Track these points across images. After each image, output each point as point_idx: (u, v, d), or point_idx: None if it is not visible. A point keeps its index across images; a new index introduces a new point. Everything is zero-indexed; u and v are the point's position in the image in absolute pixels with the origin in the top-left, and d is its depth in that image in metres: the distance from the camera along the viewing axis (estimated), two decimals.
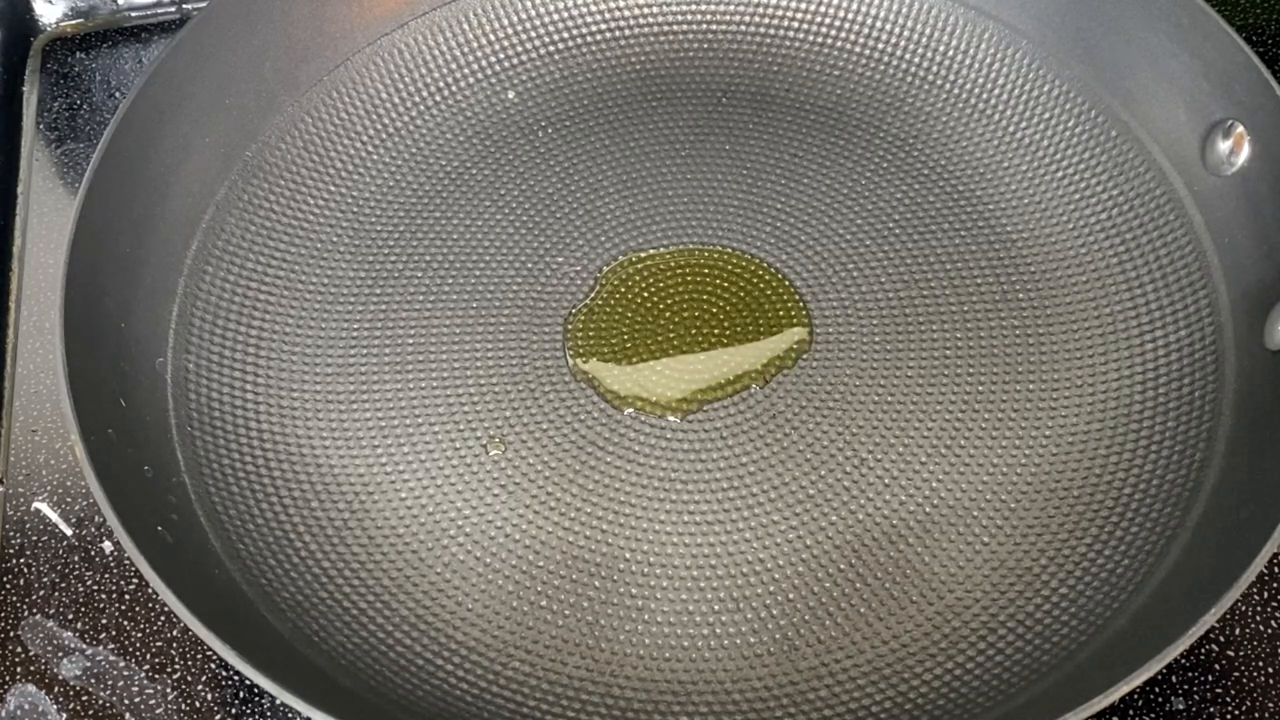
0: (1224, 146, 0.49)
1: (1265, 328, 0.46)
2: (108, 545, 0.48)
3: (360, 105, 0.56)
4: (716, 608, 0.44)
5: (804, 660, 0.43)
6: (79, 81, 0.62)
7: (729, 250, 0.53)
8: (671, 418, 0.49)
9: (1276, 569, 0.47)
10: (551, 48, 0.59)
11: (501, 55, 0.58)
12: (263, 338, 0.50)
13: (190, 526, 0.44)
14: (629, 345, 0.50)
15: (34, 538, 0.48)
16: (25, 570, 0.47)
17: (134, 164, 0.48)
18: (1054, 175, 0.54)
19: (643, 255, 0.53)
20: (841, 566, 0.45)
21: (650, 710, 0.42)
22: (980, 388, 0.49)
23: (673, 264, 0.53)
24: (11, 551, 0.48)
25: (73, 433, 0.40)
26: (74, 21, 0.64)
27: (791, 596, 0.45)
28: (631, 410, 0.49)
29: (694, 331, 0.51)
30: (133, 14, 0.64)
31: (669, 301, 0.52)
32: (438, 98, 0.57)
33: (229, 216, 0.52)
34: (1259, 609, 0.46)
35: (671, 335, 0.51)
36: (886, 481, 0.47)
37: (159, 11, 0.64)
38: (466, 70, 0.58)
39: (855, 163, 0.55)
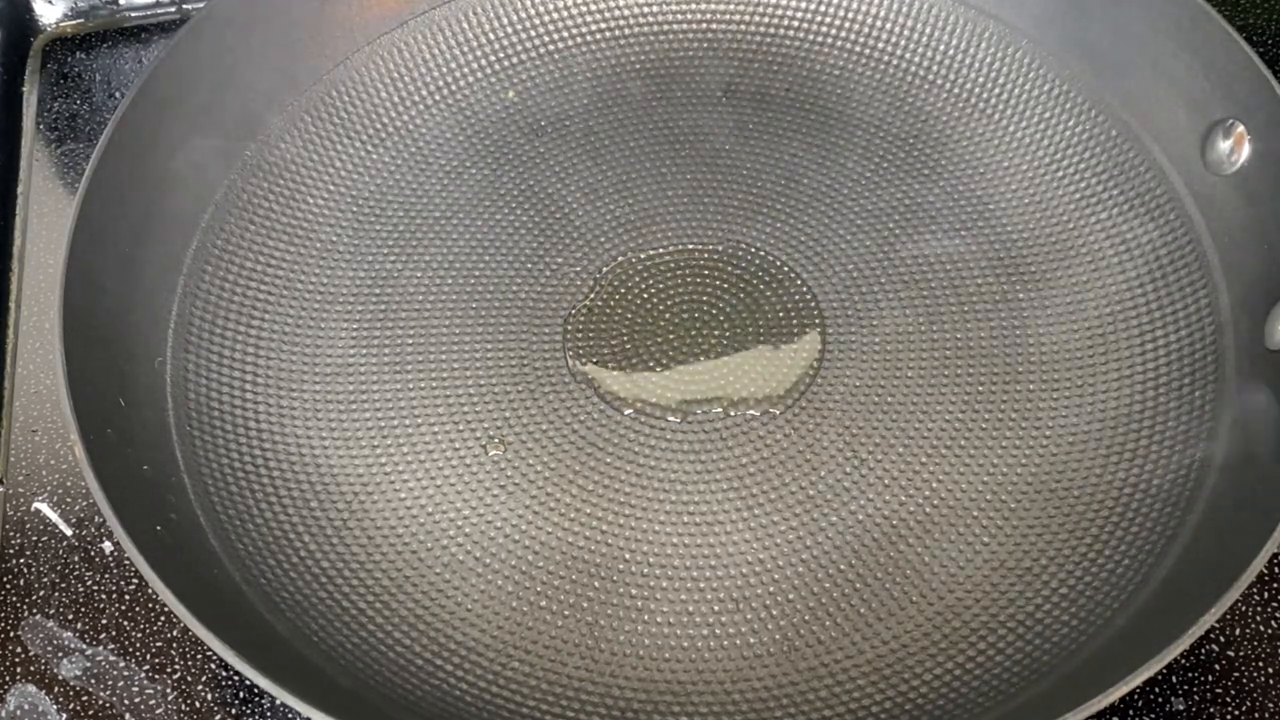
0: (1224, 146, 0.49)
1: (1265, 328, 0.46)
2: (108, 545, 0.48)
3: (360, 104, 0.56)
4: (716, 608, 0.44)
5: (804, 660, 0.43)
6: (79, 81, 0.62)
7: (738, 248, 0.53)
8: (671, 418, 0.49)
9: (1276, 569, 0.47)
10: (551, 47, 0.59)
11: (501, 55, 0.58)
12: (262, 337, 0.50)
13: (189, 526, 0.44)
14: (629, 346, 0.50)
15: (34, 538, 0.48)
16: (25, 570, 0.47)
17: (134, 164, 0.48)
18: (1054, 175, 0.54)
19: (643, 255, 0.53)
20: (841, 567, 0.45)
21: (650, 710, 0.42)
22: (980, 388, 0.49)
23: (673, 264, 0.53)
24: (11, 551, 0.48)
25: (73, 433, 0.40)
26: (74, 21, 0.64)
27: (791, 597, 0.44)
28: (631, 410, 0.49)
29: (694, 333, 0.51)
30: (133, 14, 0.64)
31: (669, 302, 0.52)
32: (437, 97, 0.57)
33: (229, 216, 0.52)
34: (1259, 609, 0.46)
35: (672, 337, 0.51)
36: (886, 482, 0.47)
37: (159, 11, 0.64)
38: (466, 70, 0.58)
39: (855, 162, 0.55)
